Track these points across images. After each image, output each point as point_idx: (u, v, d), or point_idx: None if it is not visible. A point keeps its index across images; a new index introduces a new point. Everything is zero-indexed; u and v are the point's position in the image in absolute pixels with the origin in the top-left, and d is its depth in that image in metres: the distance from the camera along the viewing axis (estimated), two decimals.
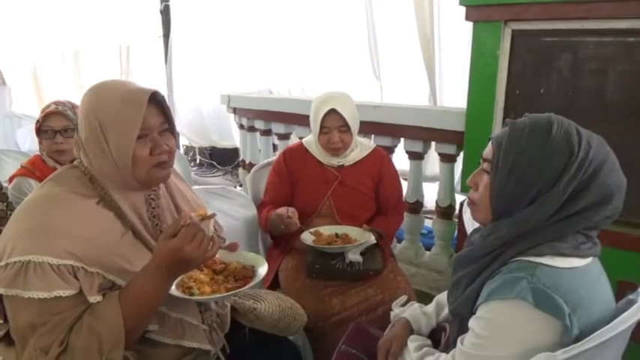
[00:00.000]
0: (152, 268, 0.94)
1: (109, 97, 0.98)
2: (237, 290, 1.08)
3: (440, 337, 1.15)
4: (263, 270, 1.15)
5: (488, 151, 0.96)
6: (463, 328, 0.93)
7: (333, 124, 1.72)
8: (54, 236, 0.91)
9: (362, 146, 1.88)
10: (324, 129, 1.73)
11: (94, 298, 0.93)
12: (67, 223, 0.93)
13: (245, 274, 1.14)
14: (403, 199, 1.97)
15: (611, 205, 0.88)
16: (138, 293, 0.94)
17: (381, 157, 1.89)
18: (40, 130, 1.79)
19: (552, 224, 0.88)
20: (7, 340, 1.00)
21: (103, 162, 0.99)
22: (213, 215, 1.03)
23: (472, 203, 1.00)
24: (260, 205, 1.89)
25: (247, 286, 1.10)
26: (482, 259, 0.94)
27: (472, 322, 0.90)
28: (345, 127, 1.73)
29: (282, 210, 1.67)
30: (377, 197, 1.87)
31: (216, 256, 1.18)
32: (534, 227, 0.88)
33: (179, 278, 1.08)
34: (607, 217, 0.89)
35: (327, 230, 1.71)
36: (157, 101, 1.02)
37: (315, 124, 1.76)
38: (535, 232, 0.89)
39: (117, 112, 0.97)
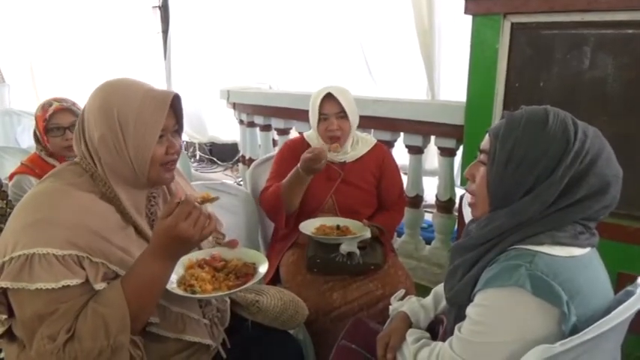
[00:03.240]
0: (151, 250, 0.95)
1: (130, 96, 0.98)
2: (238, 288, 1.09)
3: (438, 330, 1.15)
4: (263, 268, 1.15)
5: (485, 142, 0.97)
6: (460, 317, 0.94)
7: (331, 110, 1.72)
8: (56, 228, 0.91)
9: (363, 142, 1.87)
10: (322, 116, 1.73)
11: (99, 286, 0.93)
12: (69, 214, 0.94)
13: (246, 272, 1.14)
14: (404, 194, 1.97)
15: (609, 195, 0.88)
16: (139, 277, 0.94)
17: (382, 152, 1.89)
18: (47, 128, 1.78)
19: (551, 214, 0.89)
20: (9, 335, 1.00)
21: (116, 159, 0.99)
22: (215, 198, 1.03)
23: (471, 198, 1.01)
24: (263, 190, 1.82)
25: (248, 284, 1.10)
26: (479, 248, 0.95)
27: (469, 310, 0.90)
28: (342, 113, 1.72)
29: (310, 149, 1.61)
30: (378, 193, 1.86)
31: (216, 253, 1.19)
32: (532, 217, 0.89)
33: (180, 275, 1.09)
34: (605, 206, 0.90)
35: (329, 222, 1.72)
36: (172, 103, 1.03)
37: (313, 112, 1.75)
38: (534, 221, 0.89)
39: (139, 111, 0.97)
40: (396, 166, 1.94)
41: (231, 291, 1.08)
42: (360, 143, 1.86)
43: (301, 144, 1.87)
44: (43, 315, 0.90)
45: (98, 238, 0.95)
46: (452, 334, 0.94)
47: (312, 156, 1.59)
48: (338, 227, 1.69)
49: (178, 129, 1.08)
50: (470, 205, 1.02)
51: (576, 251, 0.88)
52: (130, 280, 0.94)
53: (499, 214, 0.93)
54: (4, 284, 0.89)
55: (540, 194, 0.88)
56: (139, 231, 1.06)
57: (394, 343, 1.11)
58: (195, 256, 1.16)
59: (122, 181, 1.02)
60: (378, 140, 1.97)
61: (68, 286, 0.89)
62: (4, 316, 0.96)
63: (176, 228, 0.91)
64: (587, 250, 0.91)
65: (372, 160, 1.85)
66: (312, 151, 1.60)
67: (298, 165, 1.64)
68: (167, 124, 1.02)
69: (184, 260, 1.13)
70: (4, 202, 1.66)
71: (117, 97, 0.99)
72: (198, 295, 1.05)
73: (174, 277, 1.07)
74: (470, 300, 0.92)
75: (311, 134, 1.88)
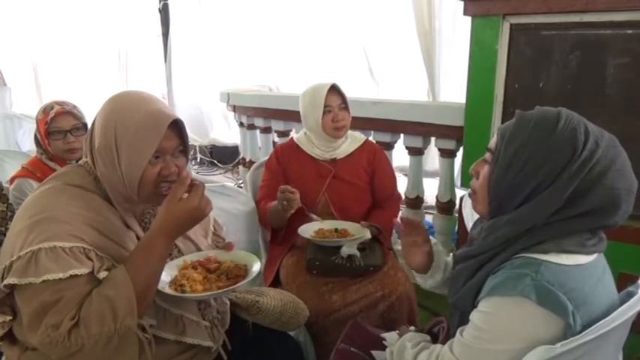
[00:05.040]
0: (158, 230, 0.96)
1: (131, 114, 0.99)
2: (228, 288, 1.09)
3: (438, 332, 1.15)
4: (256, 268, 1.15)
5: (493, 141, 0.95)
6: (463, 322, 0.93)
7: (335, 102, 1.78)
8: (61, 223, 0.91)
9: (353, 139, 1.90)
10: (327, 108, 1.77)
11: (102, 274, 0.94)
12: (72, 211, 0.94)
13: (237, 273, 1.14)
14: (397, 189, 1.97)
15: (621, 210, 0.85)
16: (143, 257, 0.95)
17: (373, 149, 1.91)
18: (48, 131, 1.79)
19: (554, 222, 0.86)
20: (10, 338, 1.00)
21: (111, 171, 1.00)
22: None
23: (472, 192, 1.00)
24: (256, 204, 1.90)
25: (238, 284, 1.10)
26: (482, 256, 0.94)
27: (473, 315, 0.89)
28: (344, 104, 1.79)
29: (285, 186, 1.66)
30: (372, 189, 1.88)
31: (212, 255, 1.20)
32: (535, 225, 0.87)
33: (172, 276, 1.09)
34: (615, 223, 0.87)
35: (327, 225, 1.72)
36: (175, 125, 1.03)
37: (315, 106, 1.77)
38: (537, 230, 0.87)
39: (135, 131, 0.98)
40: (388, 162, 1.96)
41: (220, 291, 1.07)
42: (349, 139, 1.88)
43: (291, 148, 1.90)
44: (48, 304, 0.88)
45: (101, 235, 0.96)
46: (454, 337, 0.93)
47: (284, 197, 1.62)
48: (336, 230, 1.69)
49: (184, 149, 1.07)
50: (470, 198, 1.01)
51: (583, 259, 0.86)
52: (133, 261, 0.95)
53: (500, 223, 0.90)
54: (11, 281, 0.89)
55: (540, 202, 0.85)
56: (138, 236, 1.07)
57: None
58: (190, 257, 1.17)
59: (116, 193, 1.02)
60: (377, 142, 1.98)
61: (76, 275, 0.89)
62: (9, 317, 0.96)
63: (198, 209, 0.97)
64: (594, 256, 0.88)
65: (362, 155, 1.87)
66: (284, 191, 1.63)
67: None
68: (167, 146, 1.01)
69: (179, 262, 1.14)
70: (5, 205, 1.66)
71: (119, 112, 1.00)
72: (187, 295, 1.05)
73: (167, 278, 1.07)
74: (473, 306, 0.91)
75: (301, 137, 1.90)
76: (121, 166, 0.98)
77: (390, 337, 1.16)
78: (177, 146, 1.05)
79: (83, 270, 0.90)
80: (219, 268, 1.16)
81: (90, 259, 0.93)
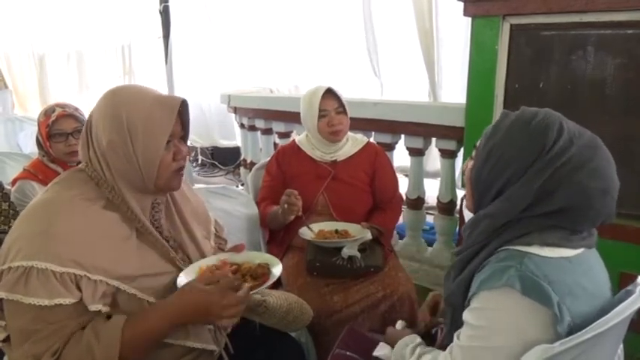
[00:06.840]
0: (169, 306, 0.96)
1: (139, 102, 0.98)
2: (260, 287, 1.10)
3: (436, 333, 1.15)
4: (277, 270, 1.17)
5: (479, 140, 0.99)
6: (456, 318, 0.94)
7: (332, 106, 1.77)
8: (58, 243, 0.90)
9: (354, 141, 1.90)
10: (322, 112, 1.76)
11: (95, 307, 0.93)
12: (72, 229, 0.93)
13: (262, 272, 1.16)
14: (399, 191, 1.97)
15: (593, 210, 0.85)
16: (143, 327, 0.94)
17: (374, 151, 1.91)
18: (50, 134, 1.79)
19: (527, 218, 0.88)
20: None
21: (125, 165, 0.99)
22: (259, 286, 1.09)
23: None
24: (256, 205, 1.90)
25: (268, 283, 1.11)
26: (467, 251, 0.96)
27: (466, 314, 0.90)
28: (341, 108, 1.78)
29: (291, 190, 1.66)
30: (373, 191, 1.88)
31: (224, 258, 1.20)
32: (511, 220, 0.88)
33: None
34: (592, 222, 0.88)
35: (327, 226, 1.72)
36: (179, 109, 1.03)
37: (311, 110, 1.77)
38: (515, 224, 0.89)
39: (148, 117, 0.97)
40: (390, 164, 1.96)
41: (255, 291, 1.09)
42: (350, 141, 1.89)
43: (293, 150, 1.91)
44: (29, 331, 0.89)
45: (100, 254, 0.95)
46: (449, 334, 0.94)
47: (288, 200, 1.63)
48: (337, 231, 1.69)
49: (184, 135, 1.08)
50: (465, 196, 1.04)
51: (567, 252, 0.87)
52: (133, 325, 0.94)
53: (479, 217, 0.93)
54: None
55: (511, 196, 0.88)
56: (141, 235, 1.05)
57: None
58: (205, 263, 1.16)
59: (130, 186, 1.02)
60: (378, 142, 1.98)
61: (61, 304, 0.89)
62: (4, 322, 0.96)
63: (209, 296, 0.94)
64: (581, 250, 0.89)
65: (363, 158, 1.87)
66: (289, 194, 1.63)
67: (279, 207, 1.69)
68: (174, 130, 1.02)
69: (195, 268, 1.13)
70: (7, 204, 1.67)
71: (125, 103, 0.99)
72: None
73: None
74: (464, 302, 0.92)
75: (303, 139, 1.91)
76: (138, 157, 0.98)
77: (381, 349, 1.14)
78: (180, 130, 1.06)
79: (69, 300, 0.89)
80: (240, 269, 1.17)
81: (79, 287, 0.91)
